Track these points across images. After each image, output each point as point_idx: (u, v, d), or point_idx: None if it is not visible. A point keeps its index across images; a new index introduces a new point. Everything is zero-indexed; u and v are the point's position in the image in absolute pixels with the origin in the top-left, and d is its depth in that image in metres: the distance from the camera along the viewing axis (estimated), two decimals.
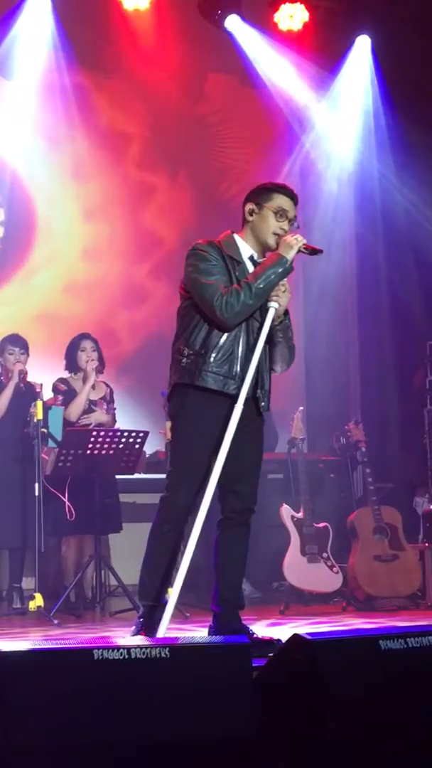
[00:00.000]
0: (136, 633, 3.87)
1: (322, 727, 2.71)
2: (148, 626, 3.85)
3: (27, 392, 6.43)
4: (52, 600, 6.07)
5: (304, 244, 3.93)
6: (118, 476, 6.76)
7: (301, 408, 7.13)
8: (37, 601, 5.76)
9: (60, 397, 6.63)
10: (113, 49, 8.32)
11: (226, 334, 3.89)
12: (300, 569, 6.30)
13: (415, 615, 5.92)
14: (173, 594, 3.70)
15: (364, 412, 8.40)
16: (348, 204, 8.87)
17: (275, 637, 3.84)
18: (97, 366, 6.70)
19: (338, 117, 8.74)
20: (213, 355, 3.87)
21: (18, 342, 6.64)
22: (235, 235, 4.05)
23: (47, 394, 6.53)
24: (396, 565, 6.34)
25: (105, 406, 6.77)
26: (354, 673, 2.79)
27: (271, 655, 3.08)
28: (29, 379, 6.50)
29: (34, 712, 2.57)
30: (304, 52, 8.56)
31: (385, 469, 7.42)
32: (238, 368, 3.88)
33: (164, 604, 3.90)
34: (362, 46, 8.61)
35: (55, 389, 6.70)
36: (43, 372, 6.69)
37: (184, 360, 3.90)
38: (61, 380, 6.75)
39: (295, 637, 2.86)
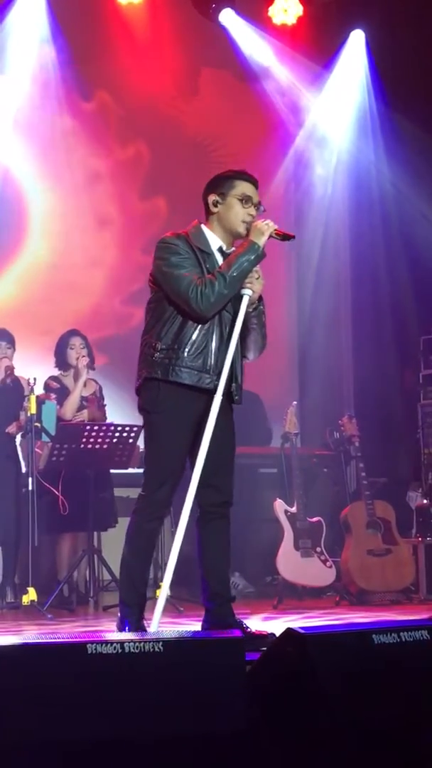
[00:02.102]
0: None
1: (315, 721, 2.72)
2: (138, 625, 3.85)
3: (14, 388, 6.40)
4: (46, 594, 6.06)
5: (275, 230, 3.89)
6: (112, 471, 6.76)
7: (295, 402, 7.12)
8: (31, 595, 5.76)
9: (53, 395, 6.60)
10: (107, 43, 8.31)
11: (199, 328, 3.85)
12: (293, 563, 6.30)
13: (408, 609, 5.93)
14: (164, 588, 3.70)
15: (357, 407, 8.40)
16: (342, 197, 8.86)
17: (268, 632, 3.85)
18: (87, 362, 6.69)
19: (332, 111, 8.74)
20: (186, 349, 3.83)
21: (4, 336, 6.57)
22: (203, 227, 4.00)
23: (39, 389, 6.49)
24: (389, 559, 6.35)
25: (96, 404, 6.75)
26: (347, 668, 2.79)
27: (264, 649, 3.09)
28: (19, 374, 6.46)
29: (28, 707, 2.57)
30: (298, 47, 8.57)
31: (379, 464, 7.41)
32: (213, 361, 3.85)
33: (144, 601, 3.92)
34: (356, 40, 8.61)
35: (48, 387, 6.66)
36: (35, 367, 6.65)
37: (157, 354, 3.85)
38: (53, 378, 6.73)
39: (289, 631, 2.86)
